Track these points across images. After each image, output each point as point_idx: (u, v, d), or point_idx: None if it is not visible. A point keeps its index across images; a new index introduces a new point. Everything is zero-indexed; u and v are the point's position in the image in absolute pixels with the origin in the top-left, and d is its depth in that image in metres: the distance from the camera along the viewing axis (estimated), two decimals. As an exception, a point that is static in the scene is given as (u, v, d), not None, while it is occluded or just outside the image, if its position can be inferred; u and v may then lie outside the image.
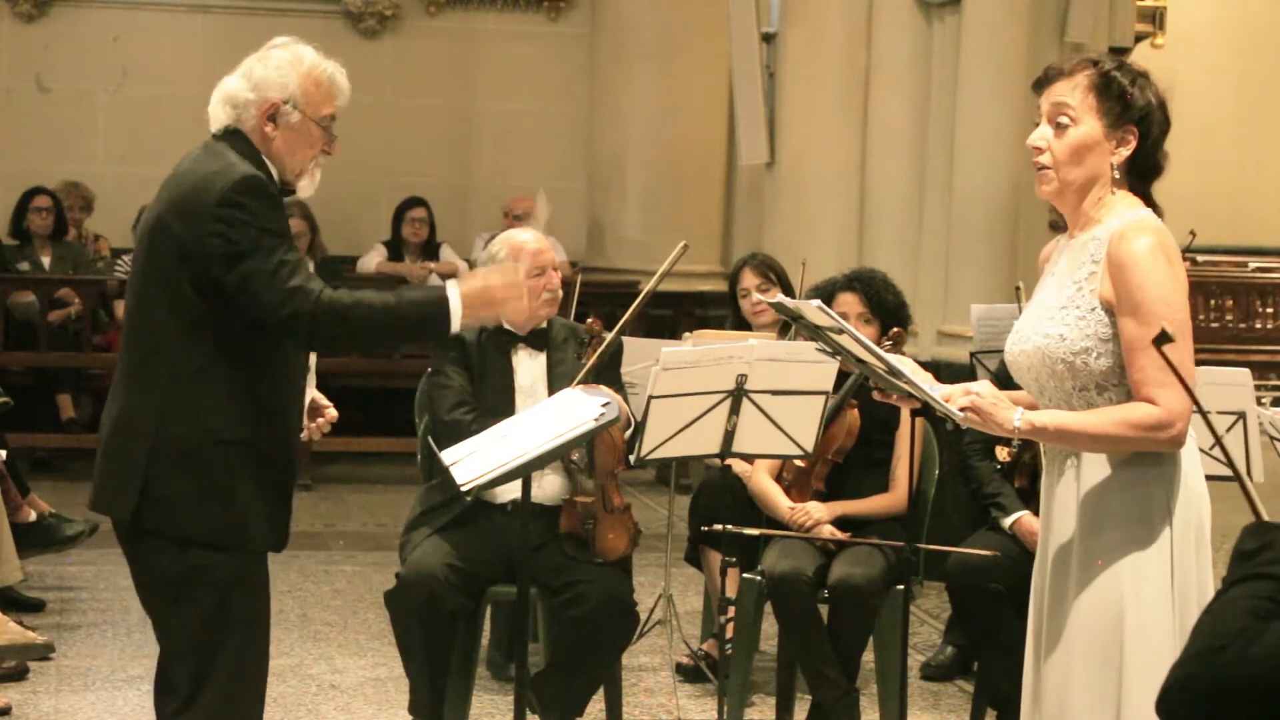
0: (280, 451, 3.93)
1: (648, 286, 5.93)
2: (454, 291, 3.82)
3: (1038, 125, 3.60)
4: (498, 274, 3.94)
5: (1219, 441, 3.01)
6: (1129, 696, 3.47)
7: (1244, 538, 2.59)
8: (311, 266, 10.88)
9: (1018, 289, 6.67)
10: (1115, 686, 3.49)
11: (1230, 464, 2.98)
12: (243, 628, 3.89)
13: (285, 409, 3.94)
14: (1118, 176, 3.55)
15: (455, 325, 3.83)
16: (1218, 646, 2.46)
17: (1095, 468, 3.55)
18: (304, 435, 4.15)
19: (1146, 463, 3.50)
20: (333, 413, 4.19)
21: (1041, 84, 3.61)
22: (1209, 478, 3.66)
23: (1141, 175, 3.59)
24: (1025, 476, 5.79)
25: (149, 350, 3.85)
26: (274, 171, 3.93)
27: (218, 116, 3.95)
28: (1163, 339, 3.00)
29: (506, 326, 5.57)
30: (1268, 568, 2.52)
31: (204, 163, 3.86)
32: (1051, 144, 3.56)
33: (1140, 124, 3.55)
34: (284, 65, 3.93)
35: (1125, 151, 3.55)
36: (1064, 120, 3.55)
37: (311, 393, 4.19)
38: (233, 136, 3.91)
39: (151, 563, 3.90)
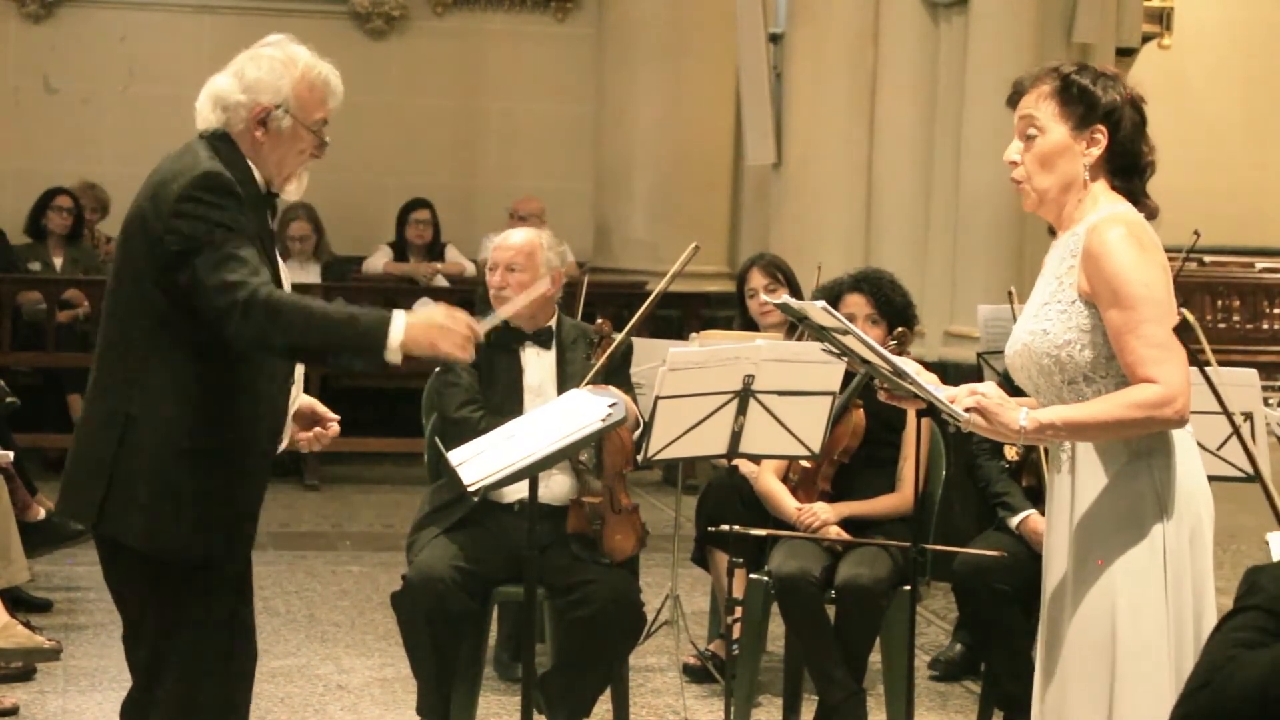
0: (245, 461, 3.83)
1: (658, 287, 5.94)
2: (399, 323, 3.62)
3: (1013, 141, 3.65)
4: (445, 316, 3.70)
5: (1229, 425, 3.00)
6: (1122, 697, 3.48)
7: (1240, 585, 2.65)
8: (318, 267, 11.03)
9: (1010, 293, 6.68)
10: (1108, 688, 3.50)
11: (1232, 425, 2.98)
12: (213, 638, 3.83)
13: (253, 417, 3.83)
14: (1088, 177, 3.58)
15: (393, 355, 3.62)
16: (1200, 685, 2.50)
17: (1090, 466, 3.56)
18: (302, 446, 4.10)
19: (1141, 460, 3.52)
20: (335, 427, 4.07)
21: (1012, 100, 3.67)
22: (1216, 479, 3.67)
23: (1123, 173, 3.62)
24: (1033, 475, 5.79)
25: (121, 353, 3.78)
26: (258, 176, 3.84)
27: (205, 116, 3.85)
28: (1184, 327, 3.04)
29: (513, 325, 5.58)
30: (1252, 599, 2.57)
31: (174, 161, 3.79)
32: (1023, 156, 3.61)
33: (1107, 121, 3.58)
34: (278, 67, 3.82)
35: (1096, 151, 3.59)
36: (1032, 132, 3.62)
37: (309, 400, 4.15)
38: (219, 141, 3.81)
39: (118, 571, 3.87)
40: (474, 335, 3.69)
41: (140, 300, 3.77)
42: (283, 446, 4.05)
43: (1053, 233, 3.71)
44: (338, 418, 4.11)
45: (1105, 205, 3.58)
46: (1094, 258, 3.49)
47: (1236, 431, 3.05)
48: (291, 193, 3.93)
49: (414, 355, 3.65)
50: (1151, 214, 3.62)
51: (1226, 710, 2.46)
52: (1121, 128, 3.60)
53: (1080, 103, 3.58)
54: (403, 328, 3.61)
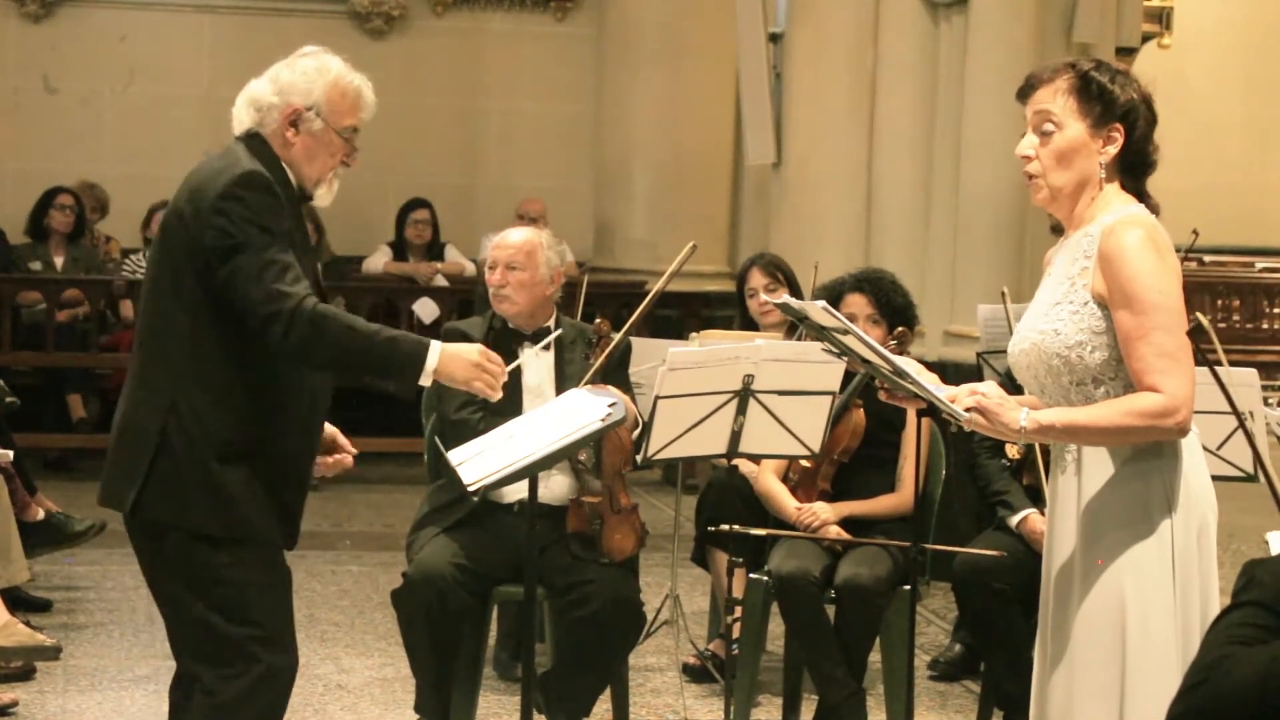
0: (289, 450, 3.93)
1: (656, 287, 5.95)
2: (436, 349, 3.83)
3: (1025, 135, 3.63)
4: (478, 354, 3.89)
5: (1238, 422, 3.00)
6: (1132, 694, 3.48)
7: (1237, 579, 2.65)
8: (319, 268, 11.02)
9: (1003, 294, 6.66)
10: (1118, 685, 3.50)
11: (1246, 430, 2.98)
12: (260, 624, 3.90)
13: (294, 406, 3.92)
14: (1104, 175, 3.57)
15: (425, 379, 3.84)
16: (1197, 682, 2.51)
17: (1096, 465, 3.55)
18: (321, 470, 4.14)
19: (1147, 459, 3.51)
20: (349, 460, 4.17)
21: (1024, 93, 3.64)
22: (1216, 478, 3.66)
23: (1132, 171, 3.61)
24: (1033, 474, 5.79)
25: (160, 347, 3.88)
26: (292, 177, 3.94)
27: (241, 119, 3.97)
28: (1196, 330, 3.02)
29: (512, 325, 5.58)
30: (1249, 594, 2.57)
31: (215, 161, 3.90)
32: (1038, 152, 3.58)
33: (1124, 120, 3.57)
34: (310, 73, 3.94)
35: (1112, 150, 3.57)
36: (1048, 127, 3.58)
37: (331, 428, 4.18)
38: (251, 140, 3.92)
39: (162, 559, 3.91)
40: (502, 377, 3.92)
41: (180, 296, 3.85)
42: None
43: (1056, 230, 3.69)
44: (355, 451, 4.21)
45: (1118, 206, 3.56)
46: (1111, 260, 3.48)
47: (1243, 427, 3.04)
48: (322, 197, 4.02)
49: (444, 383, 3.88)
50: (1154, 211, 3.62)
51: (1223, 707, 2.46)
52: (1137, 127, 3.58)
53: (1099, 100, 3.55)
54: (438, 357, 3.81)
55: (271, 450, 3.88)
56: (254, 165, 3.84)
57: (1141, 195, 3.61)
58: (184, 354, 3.83)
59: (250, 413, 3.84)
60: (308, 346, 3.76)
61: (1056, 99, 3.57)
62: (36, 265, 10.85)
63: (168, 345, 3.86)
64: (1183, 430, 3.48)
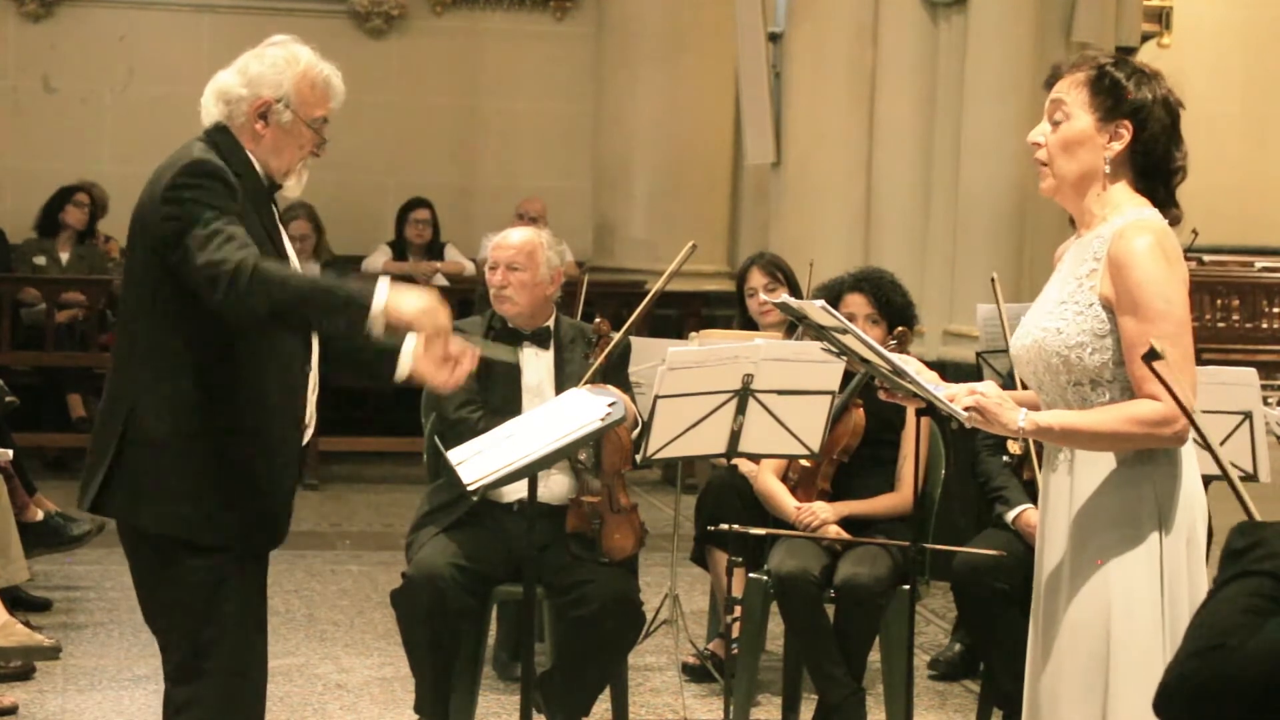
0: (264, 445, 3.85)
1: (656, 286, 5.95)
2: (384, 283, 3.60)
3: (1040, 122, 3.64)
4: (427, 302, 3.63)
5: (1212, 450, 3.00)
6: (1115, 699, 3.47)
7: (1233, 537, 2.61)
8: (317, 267, 11.03)
9: (993, 280, 6.63)
10: (1102, 689, 3.50)
11: (1222, 468, 2.98)
12: (233, 629, 3.84)
13: (268, 401, 3.84)
14: (1108, 171, 3.56)
15: (376, 319, 3.58)
16: (1214, 645, 2.46)
17: (1089, 467, 3.55)
18: None
19: (1140, 463, 3.51)
20: None
21: (1049, 82, 3.66)
22: (1215, 478, 3.66)
23: (1146, 173, 3.60)
24: (1034, 470, 5.78)
25: (126, 348, 3.86)
26: (259, 168, 3.90)
27: (209, 111, 3.92)
28: (1151, 355, 3.01)
29: (511, 325, 5.59)
30: (1259, 564, 2.53)
31: (170, 157, 3.86)
32: (1047, 139, 3.59)
33: (1133, 118, 3.56)
34: (280, 63, 3.89)
35: (1118, 146, 3.56)
36: (1059, 116, 3.59)
37: None
38: (218, 133, 3.87)
39: (137, 560, 3.88)
40: (451, 349, 3.67)
41: (144, 292, 3.83)
42: (307, 437, 4.06)
43: (1074, 224, 3.69)
44: None
45: (1130, 209, 3.55)
46: (1119, 265, 3.47)
47: (1210, 449, 3.03)
48: (291, 188, 3.98)
49: (394, 325, 3.61)
50: (1174, 221, 3.60)
51: (1249, 669, 2.42)
52: (1147, 127, 3.57)
53: (1110, 95, 3.55)
54: (386, 291, 3.58)
55: (247, 446, 3.81)
56: (204, 154, 3.79)
57: (1159, 200, 3.60)
58: (147, 354, 3.80)
59: (212, 413, 3.77)
60: (244, 300, 3.60)
61: (1072, 90, 3.58)
62: (41, 260, 10.86)
63: (133, 346, 3.83)
64: (1180, 439, 3.47)
